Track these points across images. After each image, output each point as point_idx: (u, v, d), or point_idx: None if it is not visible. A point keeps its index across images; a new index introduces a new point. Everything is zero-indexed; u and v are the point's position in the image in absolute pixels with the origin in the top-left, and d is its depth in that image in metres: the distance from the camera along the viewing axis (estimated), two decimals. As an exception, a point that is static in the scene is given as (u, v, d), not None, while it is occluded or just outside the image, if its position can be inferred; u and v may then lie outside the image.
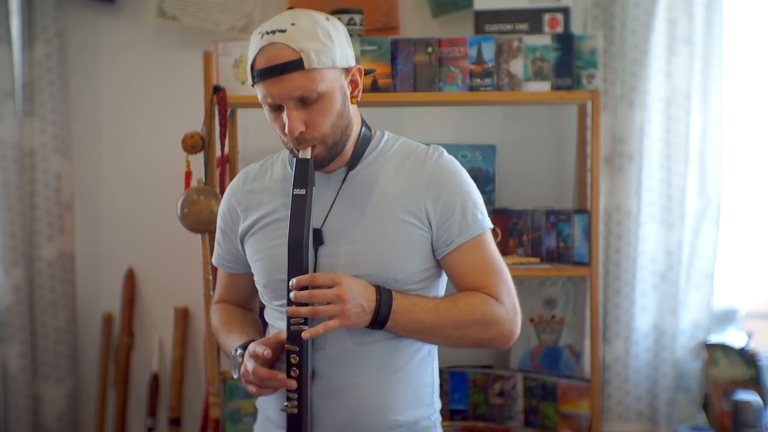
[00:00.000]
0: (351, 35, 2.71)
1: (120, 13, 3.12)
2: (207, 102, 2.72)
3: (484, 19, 2.78)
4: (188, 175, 2.74)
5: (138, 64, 3.13)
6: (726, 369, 2.87)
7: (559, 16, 2.76)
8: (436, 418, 1.79)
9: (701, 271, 2.92)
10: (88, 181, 3.16)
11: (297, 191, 1.61)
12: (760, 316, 3.03)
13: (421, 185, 1.67)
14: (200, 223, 2.64)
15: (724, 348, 2.89)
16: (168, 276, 3.14)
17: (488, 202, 2.93)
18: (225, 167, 2.79)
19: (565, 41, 2.69)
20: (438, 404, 1.80)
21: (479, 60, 2.69)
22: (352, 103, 1.68)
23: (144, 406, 3.15)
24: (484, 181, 2.93)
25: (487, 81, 2.69)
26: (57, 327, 3.07)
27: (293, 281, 1.59)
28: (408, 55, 2.68)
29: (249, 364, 1.64)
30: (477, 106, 3.00)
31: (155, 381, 3.14)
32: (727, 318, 3.02)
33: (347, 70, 1.66)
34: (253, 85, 1.63)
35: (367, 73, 1.78)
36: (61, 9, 3.04)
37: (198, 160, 2.74)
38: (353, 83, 1.68)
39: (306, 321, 1.60)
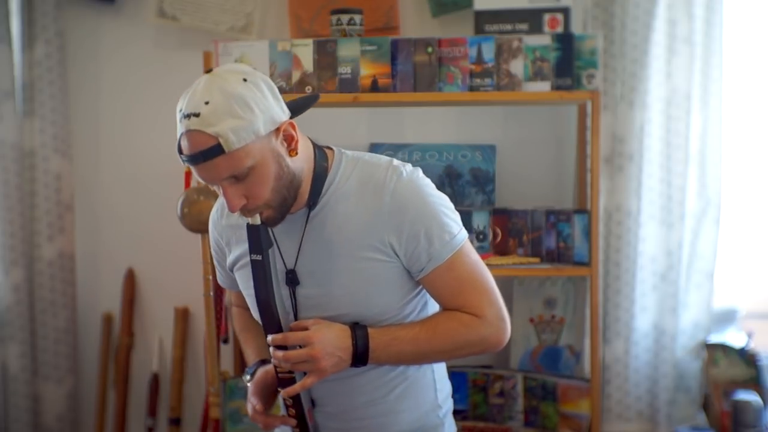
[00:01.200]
0: (351, 35, 2.74)
1: (120, 13, 3.12)
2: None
3: (484, 19, 2.78)
4: (188, 175, 2.74)
5: (138, 64, 3.13)
6: (726, 369, 2.87)
7: (559, 16, 2.76)
8: (445, 412, 1.79)
9: (701, 271, 2.92)
10: (88, 181, 3.17)
11: (254, 257, 1.61)
12: (760, 316, 3.03)
13: (381, 217, 1.61)
14: (200, 223, 2.63)
15: (724, 348, 2.89)
16: (168, 276, 3.14)
17: (488, 202, 2.94)
18: (225, 167, 2.79)
19: (565, 41, 2.68)
20: (444, 396, 1.79)
21: (479, 60, 2.68)
22: (291, 156, 1.59)
23: (144, 406, 3.15)
24: (484, 181, 2.93)
25: (487, 81, 2.69)
26: (57, 327, 3.08)
27: (269, 339, 1.62)
28: (408, 55, 2.68)
29: (249, 408, 1.73)
30: (477, 106, 3.00)
31: (155, 381, 3.14)
32: (727, 318, 3.02)
33: (276, 130, 1.56)
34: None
35: (308, 102, 1.67)
36: (61, 9, 3.04)
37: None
38: (287, 138, 1.58)
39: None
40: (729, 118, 2.92)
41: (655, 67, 2.84)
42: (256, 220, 1.60)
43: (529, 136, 3.06)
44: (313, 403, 1.72)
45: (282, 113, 1.57)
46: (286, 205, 1.61)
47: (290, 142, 1.59)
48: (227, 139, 1.50)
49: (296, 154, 1.59)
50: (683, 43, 2.85)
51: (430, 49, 2.68)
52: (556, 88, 2.69)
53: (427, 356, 1.68)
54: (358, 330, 1.62)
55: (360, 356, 1.61)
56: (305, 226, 1.65)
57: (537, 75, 2.69)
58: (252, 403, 1.71)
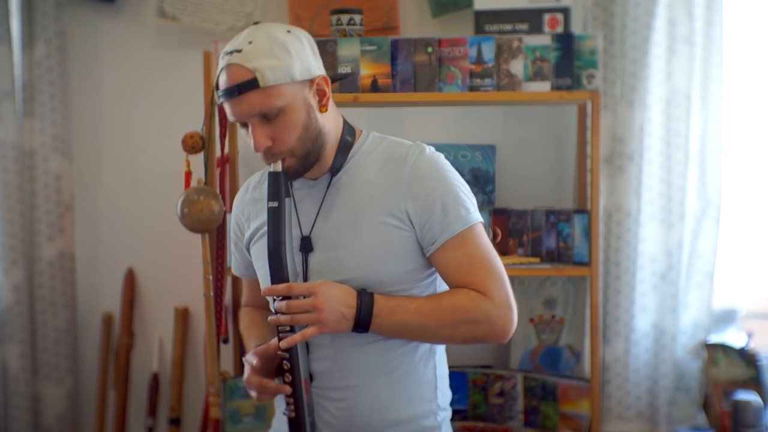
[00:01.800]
0: (351, 35, 2.74)
1: (120, 13, 3.12)
2: (207, 102, 2.72)
3: (484, 19, 2.78)
4: (188, 175, 2.74)
5: (138, 64, 3.13)
6: (726, 369, 2.87)
7: (559, 16, 2.76)
8: (444, 417, 1.78)
9: (701, 271, 2.92)
10: (88, 181, 3.17)
11: (270, 204, 1.64)
12: (760, 316, 3.04)
13: (401, 186, 1.68)
14: (200, 223, 2.64)
15: (724, 348, 2.89)
16: (168, 276, 3.14)
17: (488, 202, 2.94)
18: (225, 167, 2.79)
19: (565, 41, 2.68)
20: (445, 400, 1.79)
21: (479, 60, 2.68)
22: (321, 111, 1.68)
23: (144, 406, 3.15)
24: (484, 181, 2.93)
25: (487, 81, 2.69)
26: (57, 327, 3.08)
27: (274, 288, 1.63)
28: (408, 55, 2.68)
29: (246, 370, 1.70)
30: (477, 106, 3.00)
31: (155, 381, 3.14)
32: (727, 318, 3.02)
33: (311, 82, 1.66)
34: (220, 105, 1.66)
35: (341, 78, 1.80)
36: (61, 9, 3.04)
37: (198, 160, 2.74)
38: (320, 92, 1.68)
39: (293, 329, 1.63)
40: (729, 118, 2.92)
41: (655, 67, 2.84)
42: (278, 167, 1.65)
43: (529, 136, 3.06)
44: (311, 377, 1.71)
45: (318, 68, 1.67)
46: (308, 160, 1.67)
47: (322, 96, 1.67)
48: (263, 74, 1.59)
49: (326, 110, 1.68)
50: (683, 43, 2.85)
51: (430, 49, 2.68)
52: (556, 88, 2.69)
53: (430, 330, 1.67)
54: (364, 293, 1.64)
55: (363, 319, 1.62)
56: (326, 191, 1.71)
57: (537, 75, 2.69)
58: (249, 362, 1.70)
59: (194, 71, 2.85)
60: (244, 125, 1.65)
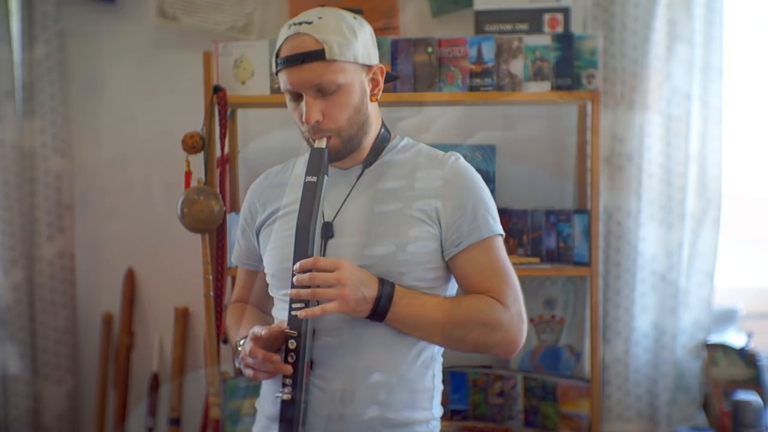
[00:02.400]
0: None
1: (120, 13, 3.12)
2: (207, 102, 2.72)
3: (484, 19, 2.78)
4: (188, 175, 2.74)
5: (138, 64, 3.13)
6: (726, 369, 2.87)
7: (559, 16, 2.76)
8: (435, 426, 1.77)
9: (701, 271, 2.92)
10: (88, 181, 3.17)
11: (309, 178, 1.65)
12: (760, 316, 3.03)
13: (434, 185, 1.70)
14: (200, 223, 2.64)
15: (724, 348, 2.89)
16: (168, 276, 3.14)
17: (488, 202, 2.94)
18: (225, 167, 2.79)
19: (565, 41, 2.68)
20: (438, 412, 1.78)
21: (479, 60, 2.68)
22: (371, 100, 1.71)
23: (144, 406, 3.15)
24: (484, 181, 2.92)
25: (487, 81, 2.69)
26: (57, 327, 3.08)
27: (297, 265, 1.61)
28: (408, 55, 2.68)
29: (248, 346, 1.66)
30: (477, 106, 3.00)
31: (155, 381, 3.14)
32: (727, 318, 3.02)
33: (369, 68, 1.70)
34: (276, 74, 1.69)
35: (391, 79, 1.83)
36: (61, 9, 3.04)
37: (198, 160, 2.74)
38: (374, 81, 1.72)
39: (307, 305, 1.61)
40: (729, 118, 2.92)
41: (655, 67, 2.84)
42: (322, 143, 1.67)
43: (529, 136, 3.06)
44: (310, 365, 1.67)
45: (376, 58, 1.72)
46: (351, 144, 1.70)
47: (375, 85, 1.72)
48: (331, 48, 1.63)
49: (376, 99, 1.72)
50: (683, 43, 2.85)
51: (430, 49, 2.68)
52: (556, 88, 2.69)
53: (445, 329, 1.66)
54: (385, 281, 1.64)
55: (382, 305, 1.62)
56: (357, 179, 1.72)
57: (537, 75, 2.69)
58: (256, 333, 1.64)
59: (194, 71, 2.85)
60: (296, 98, 1.67)
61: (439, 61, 2.69)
